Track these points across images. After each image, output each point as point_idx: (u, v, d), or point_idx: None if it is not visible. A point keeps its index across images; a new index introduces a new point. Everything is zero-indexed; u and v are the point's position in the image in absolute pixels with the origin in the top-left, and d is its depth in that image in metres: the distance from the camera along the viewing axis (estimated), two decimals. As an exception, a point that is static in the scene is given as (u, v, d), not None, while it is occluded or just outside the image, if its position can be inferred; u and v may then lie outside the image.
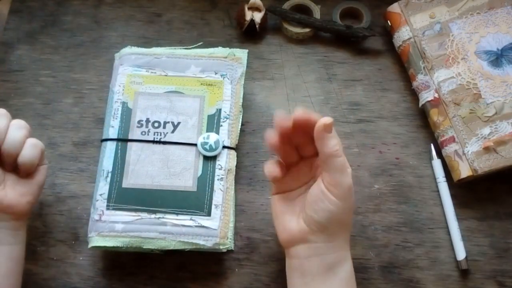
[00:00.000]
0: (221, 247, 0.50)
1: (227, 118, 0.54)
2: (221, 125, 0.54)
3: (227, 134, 0.53)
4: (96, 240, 0.50)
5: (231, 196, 0.52)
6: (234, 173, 0.53)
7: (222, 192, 0.51)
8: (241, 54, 0.57)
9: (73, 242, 0.54)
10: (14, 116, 0.60)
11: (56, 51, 0.64)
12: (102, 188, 0.51)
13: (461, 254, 0.53)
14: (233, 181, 0.53)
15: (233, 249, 0.50)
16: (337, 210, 0.43)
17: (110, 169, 0.52)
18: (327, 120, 0.42)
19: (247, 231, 0.55)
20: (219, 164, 0.52)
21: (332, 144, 0.42)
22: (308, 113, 0.43)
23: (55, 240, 0.54)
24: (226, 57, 0.56)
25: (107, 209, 0.51)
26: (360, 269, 0.54)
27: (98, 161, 0.54)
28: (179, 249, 0.50)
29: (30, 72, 0.63)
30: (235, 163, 0.53)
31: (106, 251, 0.53)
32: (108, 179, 0.52)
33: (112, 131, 0.53)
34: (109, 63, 0.60)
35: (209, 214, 0.51)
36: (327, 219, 0.43)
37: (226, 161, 0.52)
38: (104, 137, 0.54)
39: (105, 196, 0.51)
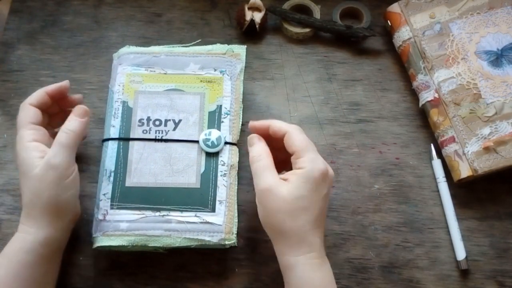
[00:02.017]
0: (226, 242, 0.50)
1: (228, 114, 0.54)
2: (222, 121, 0.54)
3: (228, 130, 0.53)
4: (101, 240, 0.50)
5: (235, 191, 0.52)
6: (237, 168, 0.53)
7: (226, 188, 0.51)
8: (240, 50, 0.57)
9: (73, 242, 0.54)
10: (14, 116, 0.61)
11: (56, 51, 0.64)
12: (105, 187, 0.51)
13: (461, 254, 0.53)
14: (236, 177, 0.53)
15: (237, 245, 0.51)
16: (259, 213, 0.46)
17: (113, 169, 0.52)
18: (249, 137, 0.50)
19: (247, 231, 0.55)
20: (221, 160, 0.52)
21: (252, 152, 0.48)
22: (256, 124, 0.50)
23: (55, 240, 0.54)
24: (224, 54, 0.56)
25: (111, 208, 0.51)
26: (360, 269, 0.54)
27: (98, 161, 0.54)
28: (185, 246, 0.50)
29: (30, 72, 0.63)
30: (237, 159, 0.53)
31: (106, 251, 0.53)
32: (111, 178, 0.52)
33: (113, 131, 0.53)
34: (109, 63, 0.60)
35: (213, 210, 0.51)
36: (261, 222, 0.47)
37: (229, 157, 0.53)
38: (105, 137, 0.54)
39: (109, 195, 0.51)
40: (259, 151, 0.48)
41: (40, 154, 0.47)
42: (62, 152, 0.46)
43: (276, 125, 0.48)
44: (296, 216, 0.44)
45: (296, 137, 0.46)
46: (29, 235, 0.46)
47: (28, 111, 0.49)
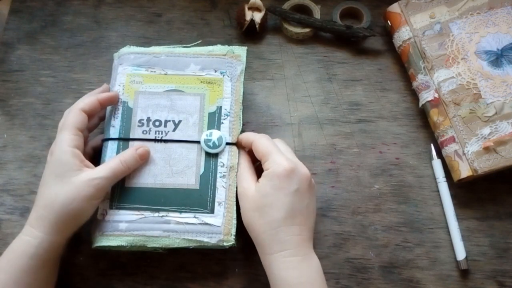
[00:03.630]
0: (225, 243, 0.50)
1: (227, 116, 0.54)
2: (222, 123, 0.54)
3: (228, 131, 0.53)
4: (100, 240, 0.50)
5: (234, 193, 0.52)
6: (236, 170, 0.53)
7: (225, 189, 0.52)
8: (240, 51, 0.57)
9: (74, 242, 0.54)
10: (14, 116, 0.61)
11: (56, 51, 0.64)
12: None
13: (461, 254, 0.53)
14: (235, 178, 0.53)
15: (236, 245, 0.51)
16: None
17: None
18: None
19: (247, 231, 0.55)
20: (221, 162, 0.52)
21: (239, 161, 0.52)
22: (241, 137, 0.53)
23: (55, 240, 0.54)
24: (225, 55, 0.56)
25: (110, 208, 0.51)
26: (360, 269, 0.54)
27: (98, 161, 0.54)
28: (183, 246, 0.50)
29: (30, 72, 0.63)
30: (237, 160, 0.53)
31: (106, 251, 0.53)
32: None
33: (113, 131, 0.53)
34: (109, 63, 0.60)
35: (212, 211, 0.51)
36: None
37: (228, 158, 0.53)
38: (105, 137, 0.54)
39: (108, 195, 0.51)
40: (239, 161, 0.52)
41: (80, 163, 0.48)
42: (111, 179, 0.48)
43: (244, 137, 0.52)
44: (263, 213, 0.47)
45: (260, 144, 0.50)
46: (35, 239, 0.46)
47: (78, 116, 0.50)
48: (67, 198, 0.46)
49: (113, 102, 0.54)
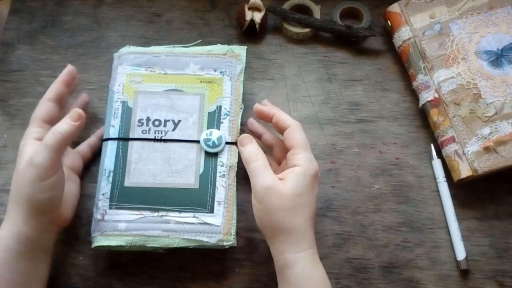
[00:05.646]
0: (224, 243, 0.50)
1: (227, 115, 0.54)
2: (222, 122, 0.54)
3: (228, 131, 0.53)
4: (100, 240, 0.50)
5: (233, 192, 0.52)
6: (236, 169, 0.53)
7: (224, 189, 0.52)
8: (240, 50, 0.57)
9: (73, 242, 0.54)
10: (14, 116, 0.61)
11: (56, 51, 0.64)
12: (104, 187, 0.51)
13: (461, 254, 0.53)
14: (235, 178, 0.53)
15: (236, 245, 0.51)
16: (257, 213, 0.47)
17: (112, 169, 0.52)
18: (240, 137, 0.51)
19: (247, 231, 0.55)
20: (220, 161, 0.52)
21: (246, 152, 0.50)
22: (264, 109, 0.52)
23: (55, 240, 0.54)
24: (225, 54, 0.56)
25: (110, 208, 0.51)
26: (360, 269, 0.54)
27: (98, 161, 0.54)
28: (183, 246, 0.50)
29: (30, 72, 0.63)
30: (236, 160, 0.53)
31: (106, 251, 0.53)
32: (110, 178, 0.52)
33: (113, 131, 0.53)
34: (109, 63, 0.60)
35: (212, 211, 0.51)
36: (258, 223, 0.48)
37: (228, 157, 0.53)
38: (105, 137, 0.54)
39: (108, 195, 0.51)
40: (255, 151, 0.49)
41: None
42: (44, 152, 0.44)
43: (281, 116, 0.51)
44: (296, 212, 0.46)
45: (297, 133, 0.49)
46: (6, 231, 0.46)
47: (43, 107, 0.50)
48: (20, 186, 0.46)
49: (72, 75, 0.54)
